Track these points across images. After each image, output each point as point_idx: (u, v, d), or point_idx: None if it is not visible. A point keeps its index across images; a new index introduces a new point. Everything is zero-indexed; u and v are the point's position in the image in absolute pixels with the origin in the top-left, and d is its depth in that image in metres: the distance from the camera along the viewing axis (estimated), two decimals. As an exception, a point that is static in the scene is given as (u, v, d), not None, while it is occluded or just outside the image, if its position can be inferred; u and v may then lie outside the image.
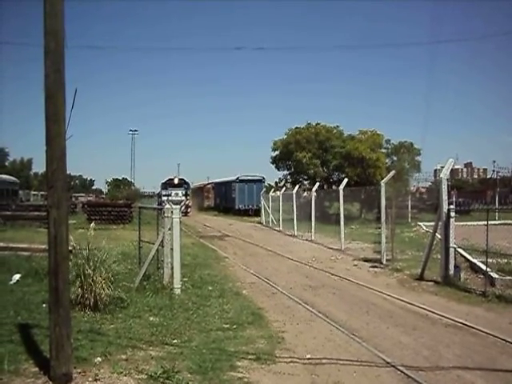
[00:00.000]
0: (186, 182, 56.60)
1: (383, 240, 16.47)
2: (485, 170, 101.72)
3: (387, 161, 39.70)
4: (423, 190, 52.40)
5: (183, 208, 48.49)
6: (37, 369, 5.94)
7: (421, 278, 13.13)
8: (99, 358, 6.40)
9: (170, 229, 10.93)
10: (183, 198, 52.98)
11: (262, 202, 38.85)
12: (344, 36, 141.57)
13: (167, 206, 11.60)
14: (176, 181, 55.57)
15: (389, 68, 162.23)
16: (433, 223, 15.00)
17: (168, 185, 55.05)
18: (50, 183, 5.60)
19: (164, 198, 48.04)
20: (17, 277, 11.34)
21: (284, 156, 43.67)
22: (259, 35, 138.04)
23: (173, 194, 52.32)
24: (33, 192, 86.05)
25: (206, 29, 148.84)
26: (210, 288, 11.53)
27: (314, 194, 26.48)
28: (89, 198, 75.36)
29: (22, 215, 27.75)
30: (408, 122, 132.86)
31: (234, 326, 8.40)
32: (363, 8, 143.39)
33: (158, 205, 36.55)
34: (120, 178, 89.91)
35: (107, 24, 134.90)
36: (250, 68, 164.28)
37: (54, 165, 5.56)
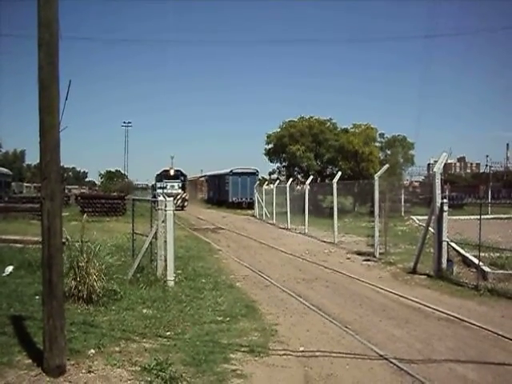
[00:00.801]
0: (182, 174, 52.40)
1: (376, 233, 16.52)
2: (478, 164, 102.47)
3: (380, 155, 39.78)
4: (416, 184, 52.65)
5: (179, 202, 46.24)
6: (30, 361, 5.95)
7: (414, 271, 13.18)
8: (93, 350, 6.41)
9: (163, 221, 10.93)
10: (179, 190, 49.25)
11: (256, 195, 38.81)
12: (340, 30, 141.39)
13: (161, 198, 11.57)
14: (172, 172, 51.42)
15: (384, 62, 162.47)
16: (426, 217, 15.05)
17: (163, 176, 50.95)
18: (43, 175, 5.58)
19: (159, 191, 43.67)
20: (10, 269, 11.32)
21: (278, 149, 43.59)
22: (255, 29, 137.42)
23: (168, 187, 48.11)
24: (25, 184, 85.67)
25: (201, 23, 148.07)
26: (204, 280, 11.54)
27: (307, 187, 26.48)
28: (82, 190, 75.11)
29: (14, 207, 27.64)
30: (402, 116, 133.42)
31: (228, 319, 8.41)
32: (360, 2, 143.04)
33: (153, 197, 35.67)
34: (113, 171, 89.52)
35: (102, 17, 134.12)
36: (245, 62, 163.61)
37: (48, 156, 5.54)
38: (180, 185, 50.31)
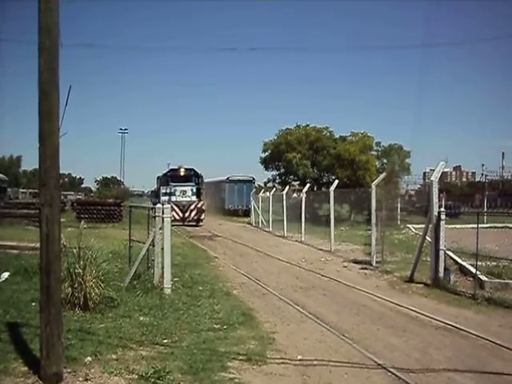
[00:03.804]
0: (196, 174, 39.06)
1: (373, 242, 16.51)
2: (473, 173, 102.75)
3: (377, 163, 39.94)
4: (412, 193, 52.69)
5: (193, 214, 35.49)
6: (26, 368, 5.89)
7: (410, 280, 13.18)
8: (89, 358, 6.36)
9: (160, 228, 10.91)
10: (193, 198, 36.46)
11: (252, 203, 38.77)
12: (337, 37, 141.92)
13: (158, 205, 11.53)
14: (182, 172, 38.15)
15: (381, 68, 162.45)
16: (422, 226, 15.12)
17: (170, 178, 37.97)
18: (42, 181, 5.54)
19: (164, 198, 34.87)
20: (5, 275, 11.25)
21: (274, 156, 43.52)
22: (252, 36, 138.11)
23: (178, 193, 36.36)
24: (21, 190, 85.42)
25: (197, 29, 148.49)
26: (201, 288, 11.50)
27: (304, 195, 26.50)
28: (78, 197, 74.91)
29: (10, 213, 27.54)
30: (398, 124, 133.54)
31: (225, 327, 8.37)
32: (358, 9, 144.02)
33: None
34: (109, 177, 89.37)
35: (100, 23, 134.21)
36: (242, 68, 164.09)
37: (47, 163, 5.52)
38: (194, 190, 37.31)
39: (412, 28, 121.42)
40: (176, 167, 38.77)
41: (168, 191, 36.65)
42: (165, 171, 40.13)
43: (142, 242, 11.68)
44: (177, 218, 32.78)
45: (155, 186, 46.26)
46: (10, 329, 7.36)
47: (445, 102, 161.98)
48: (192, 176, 38.44)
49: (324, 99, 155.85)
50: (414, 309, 10.17)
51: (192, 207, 35.47)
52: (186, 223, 34.24)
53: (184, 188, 36.70)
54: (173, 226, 28.86)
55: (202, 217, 36.01)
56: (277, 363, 6.78)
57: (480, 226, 11.98)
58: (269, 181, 46.63)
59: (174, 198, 35.19)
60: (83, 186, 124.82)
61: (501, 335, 8.25)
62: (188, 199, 36.05)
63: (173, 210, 31.74)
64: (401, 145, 40.12)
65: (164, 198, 34.87)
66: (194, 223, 34.94)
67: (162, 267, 10.78)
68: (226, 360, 6.70)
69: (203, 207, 36.29)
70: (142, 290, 10.33)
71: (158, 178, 42.04)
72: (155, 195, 43.70)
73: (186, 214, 35.17)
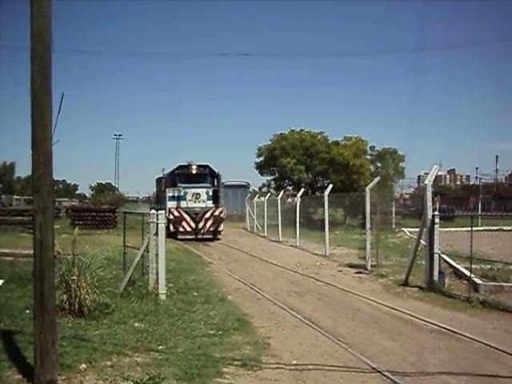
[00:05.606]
0: (212, 172, 30.42)
1: (368, 246, 16.52)
2: (468, 176, 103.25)
3: (371, 167, 40.04)
4: (407, 197, 53.04)
5: (209, 224, 28.04)
6: (20, 376, 5.87)
7: (405, 283, 13.19)
8: (84, 365, 6.34)
9: (155, 234, 10.89)
10: (210, 203, 28.71)
11: (247, 208, 38.73)
12: (331, 41, 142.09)
13: (153, 211, 11.49)
14: (194, 169, 29.39)
15: (373, 72, 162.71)
16: (417, 229, 15.12)
17: (179, 178, 29.40)
18: (35, 188, 5.53)
19: (171, 204, 28.21)
20: (-1, 282, 11.21)
21: (269, 161, 43.52)
22: (245, 41, 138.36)
23: (189, 197, 28.37)
24: (15, 196, 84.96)
25: (191, 35, 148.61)
26: (195, 294, 11.48)
27: (298, 199, 26.51)
28: (72, 203, 74.65)
29: (4, 220, 27.44)
30: (392, 127, 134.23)
31: (220, 332, 8.37)
32: (351, 12, 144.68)
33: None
34: (104, 183, 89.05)
35: (92, 29, 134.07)
36: (235, 74, 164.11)
37: (40, 169, 5.50)
38: (210, 193, 29.17)
39: (405, 31, 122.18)
40: (186, 163, 29.75)
41: (176, 194, 28.69)
42: (171, 169, 31.31)
43: (136, 248, 11.65)
44: (188, 229, 27.74)
45: (154, 190, 41.04)
46: (4, 336, 7.33)
47: (438, 105, 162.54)
48: (207, 175, 30.10)
49: (318, 104, 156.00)
50: (408, 312, 10.17)
51: (207, 216, 27.98)
52: (199, 236, 27.78)
53: (197, 190, 28.61)
54: (183, 240, 27.07)
55: (221, 228, 28.68)
56: (272, 368, 6.77)
57: (474, 228, 12.01)
58: (264, 186, 46.59)
59: (183, 204, 28.24)
60: (78, 192, 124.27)
61: (495, 338, 8.28)
62: (202, 205, 28.39)
63: (183, 219, 28.21)
64: (395, 149, 40.22)
65: (171, 204, 28.24)
66: (209, 236, 28.02)
67: (157, 273, 10.76)
68: (221, 366, 6.69)
69: (222, 215, 28.61)
70: (136, 296, 10.31)
71: (159, 179, 35.42)
72: (155, 200, 37.81)
73: (200, 225, 27.94)
